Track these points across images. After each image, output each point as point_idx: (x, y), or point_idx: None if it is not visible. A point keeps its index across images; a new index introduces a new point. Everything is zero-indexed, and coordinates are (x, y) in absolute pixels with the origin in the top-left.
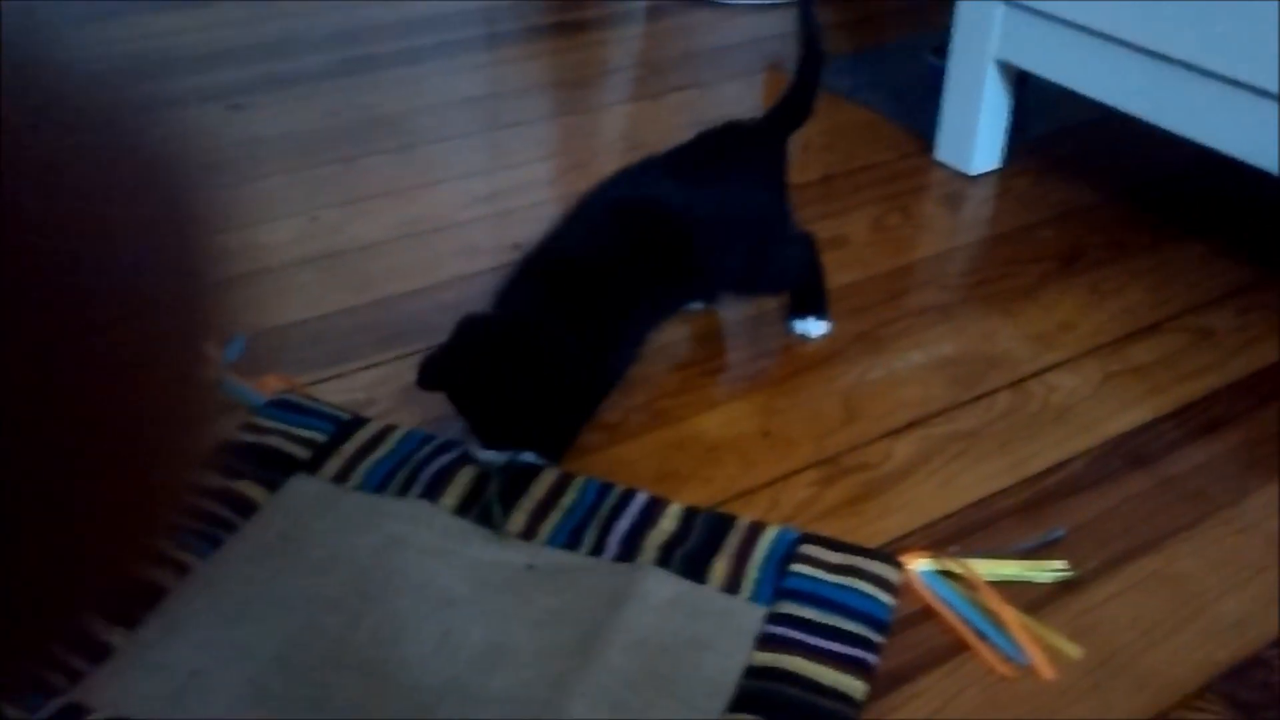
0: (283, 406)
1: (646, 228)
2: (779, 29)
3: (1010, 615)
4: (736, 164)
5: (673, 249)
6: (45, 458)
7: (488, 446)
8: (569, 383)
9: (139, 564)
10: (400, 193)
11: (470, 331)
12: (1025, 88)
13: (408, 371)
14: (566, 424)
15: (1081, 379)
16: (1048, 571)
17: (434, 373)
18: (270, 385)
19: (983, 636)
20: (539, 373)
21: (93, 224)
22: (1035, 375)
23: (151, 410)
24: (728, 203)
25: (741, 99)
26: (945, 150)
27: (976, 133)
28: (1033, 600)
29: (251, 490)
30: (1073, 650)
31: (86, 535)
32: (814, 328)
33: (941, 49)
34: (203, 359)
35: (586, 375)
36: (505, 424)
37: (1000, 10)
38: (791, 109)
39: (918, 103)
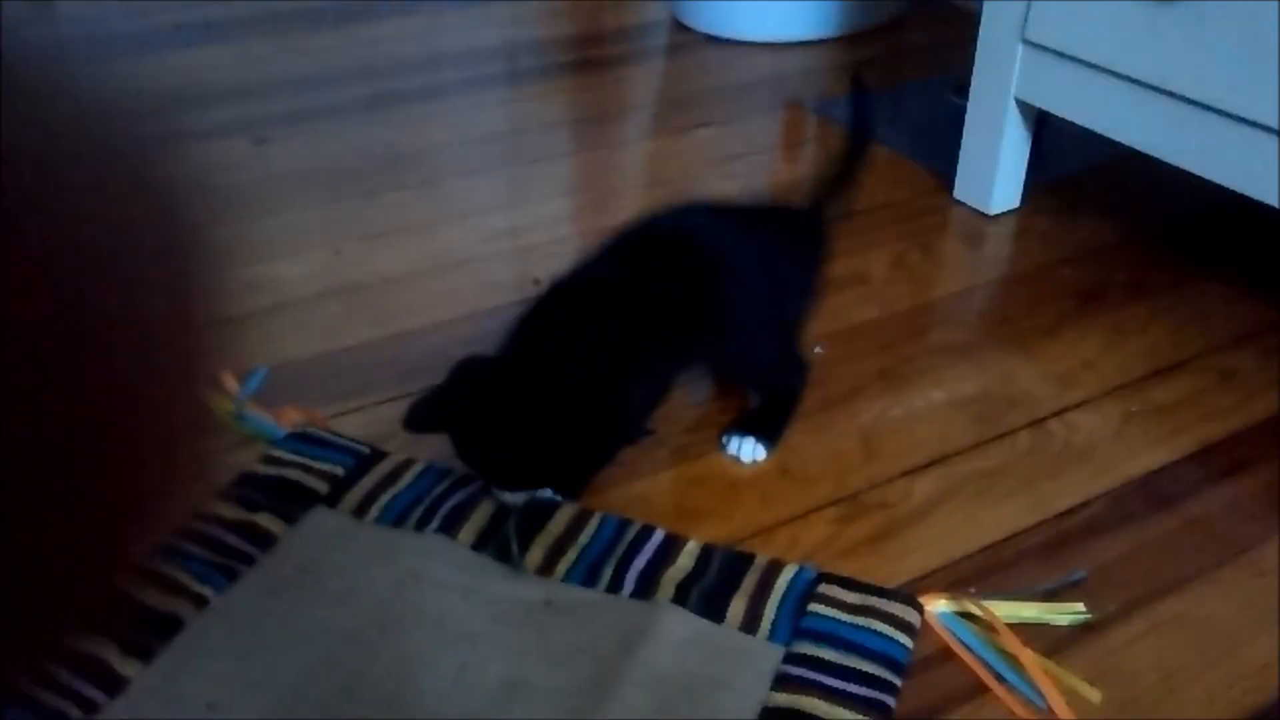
0: (302, 439)
1: (675, 267)
2: (798, 66)
3: (1029, 658)
4: (784, 236)
5: (700, 296)
6: (34, 470)
7: (494, 486)
8: (567, 425)
9: (124, 578)
10: (422, 227)
11: (462, 374)
12: (1045, 127)
13: None
14: (572, 464)
15: (1103, 419)
16: (1068, 614)
17: (419, 415)
18: (290, 418)
19: (1001, 679)
20: (532, 416)
21: (95, 255)
22: (1056, 414)
23: (141, 435)
24: (767, 267)
25: (761, 136)
26: (965, 189)
27: (996, 172)
28: (1052, 643)
29: (270, 523)
30: (1092, 694)
31: (71, 547)
32: (749, 452)
33: (962, 88)
34: (196, 389)
35: (590, 418)
36: (500, 465)
37: (1020, 50)
38: (835, 188)
39: (937, 142)
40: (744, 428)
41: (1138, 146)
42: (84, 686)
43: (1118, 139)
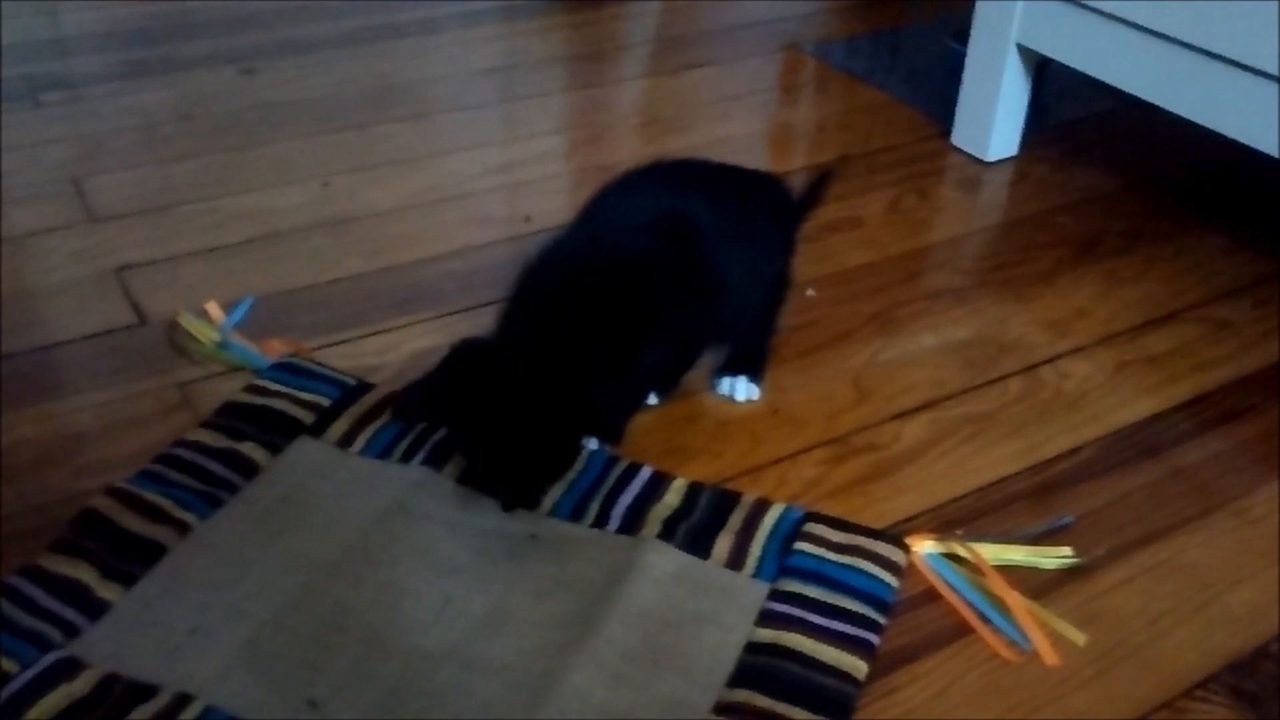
0: (288, 370)
1: (675, 247)
2: (797, 10)
3: (1015, 600)
4: (771, 211)
5: (699, 277)
6: None
7: (472, 481)
8: (570, 423)
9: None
10: (413, 161)
11: (459, 362)
12: (1045, 74)
13: (415, 339)
14: (558, 457)
15: (1095, 366)
16: (1054, 558)
17: (412, 403)
18: (275, 348)
19: (986, 620)
20: (527, 408)
21: None
22: (1048, 361)
23: None
24: (759, 246)
25: (758, 77)
26: (963, 135)
27: (995, 118)
28: (1038, 586)
29: (254, 452)
30: (1077, 637)
31: None
32: (744, 391)
33: (962, 34)
34: None
35: (582, 412)
36: (489, 458)
37: None
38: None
39: (935, 87)
40: (733, 368)
41: (1139, 94)
42: (64, 609)
43: (1119, 86)
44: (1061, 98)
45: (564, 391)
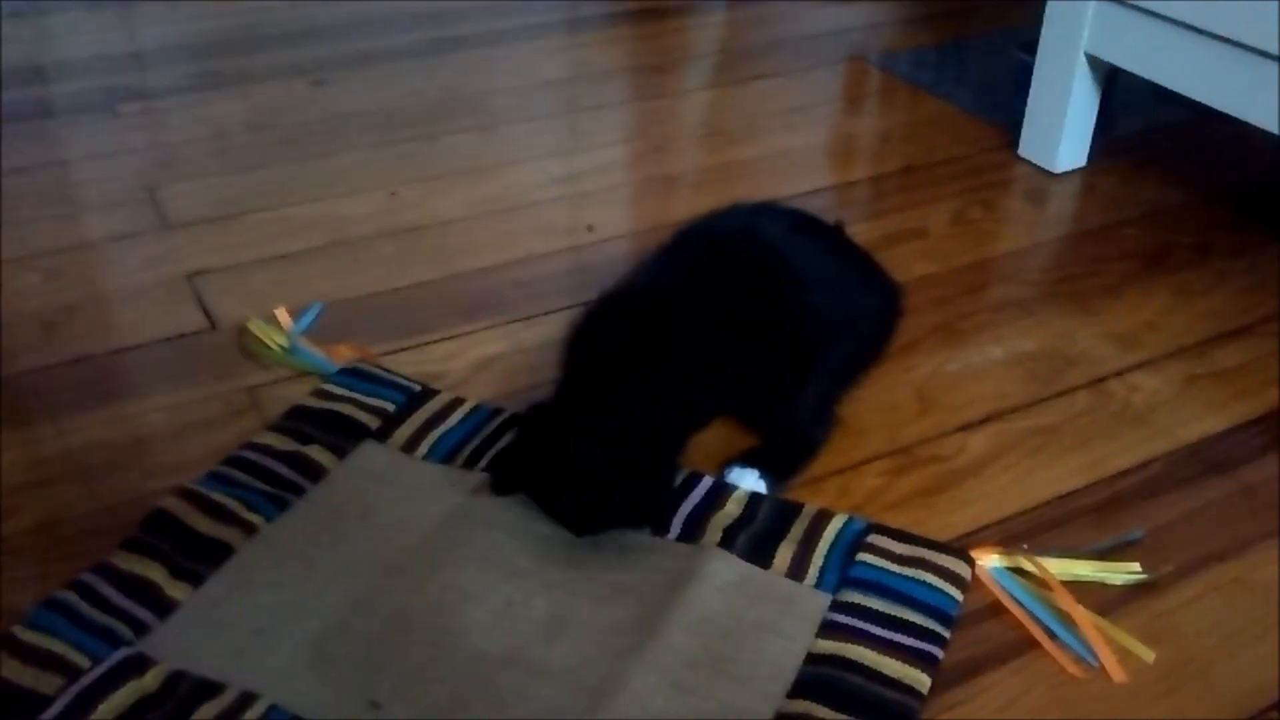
0: (354, 375)
1: (746, 284)
2: (862, 21)
3: (1082, 615)
4: (863, 274)
5: (782, 329)
6: None
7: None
8: (642, 471)
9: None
10: (479, 171)
11: (530, 428)
12: (1115, 84)
13: (480, 345)
14: (651, 498)
15: (1164, 381)
16: (1122, 573)
17: (502, 478)
18: (343, 354)
19: (1052, 635)
20: (605, 469)
21: None
22: (1116, 375)
23: None
24: (844, 301)
25: (822, 89)
26: (1030, 146)
27: (1063, 129)
28: (1106, 602)
29: (320, 455)
30: (1146, 654)
31: None
32: (751, 484)
33: (1030, 44)
34: None
35: (660, 456)
36: (584, 517)
37: (1092, 4)
38: None
39: (1002, 98)
40: (751, 461)
41: (1210, 103)
42: (134, 607)
43: (1189, 96)
44: (1130, 109)
45: (635, 441)
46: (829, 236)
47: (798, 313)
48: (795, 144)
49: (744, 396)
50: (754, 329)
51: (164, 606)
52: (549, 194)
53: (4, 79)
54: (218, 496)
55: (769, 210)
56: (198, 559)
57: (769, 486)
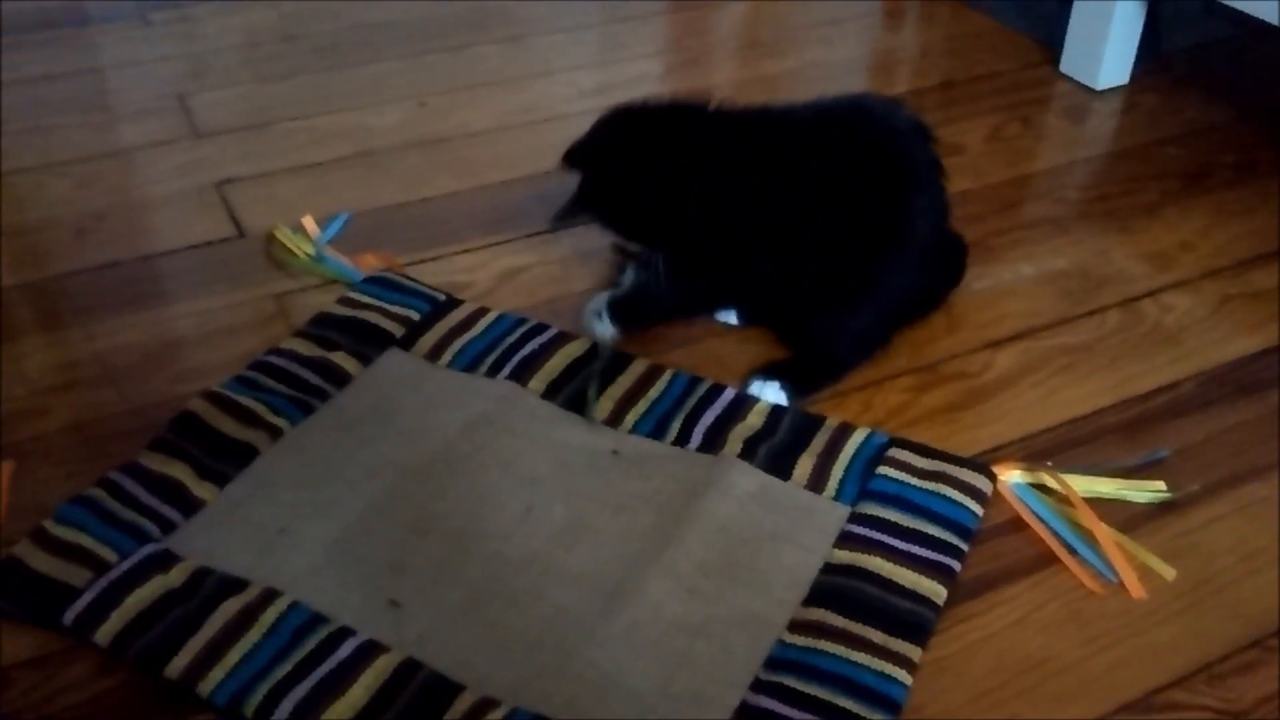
0: (380, 284)
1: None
2: None
3: (1103, 532)
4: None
5: (867, 224)
6: None
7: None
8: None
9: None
10: (508, 82)
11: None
12: (1160, 0)
13: (504, 257)
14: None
15: (1198, 301)
16: (1147, 491)
17: (579, 154)
18: (369, 263)
19: (1072, 551)
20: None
21: None
22: (1150, 294)
23: None
24: (934, 233)
25: (861, 2)
26: (1071, 63)
27: (1106, 45)
28: (1128, 519)
29: (345, 362)
30: (1166, 571)
31: None
32: (773, 395)
33: None
34: None
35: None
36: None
37: None
38: None
39: (1044, 13)
40: (774, 373)
41: (1261, 16)
42: (161, 506)
43: (1239, 8)
44: (1177, 25)
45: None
46: (938, 167)
47: (888, 218)
48: (833, 57)
49: (793, 278)
50: (840, 205)
51: (190, 505)
52: (579, 107)
53: None
54: (244, 400)
55: (906, 115)
56: (223, 460)
57: (789, 398)
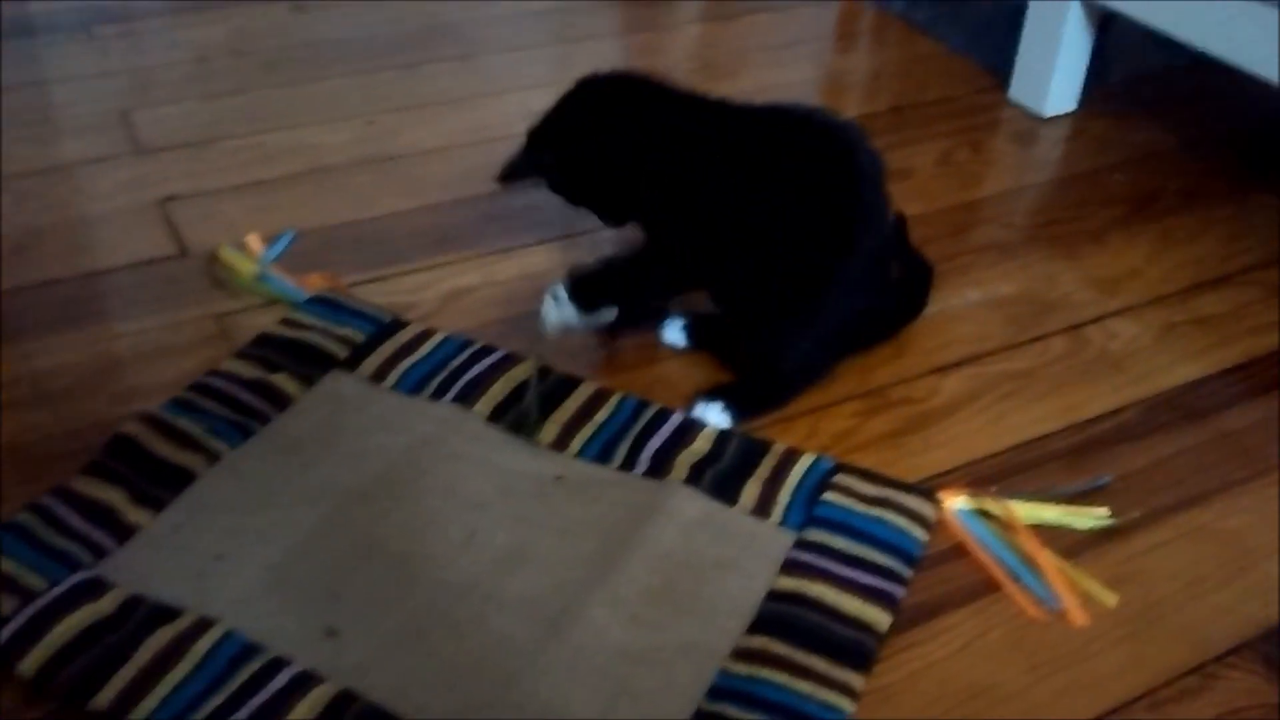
0: (324, 304)
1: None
2: None
3: (1046, 559)
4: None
5: (814, 228)
6: None
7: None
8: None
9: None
10: (459, 101)
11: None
12: (1109, 29)
13: (452, 277)
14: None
15: (1143, 327)
16: (1089, 518)
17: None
18: (313, 282)
19: (1015, 578)
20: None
21: None
22: (1095, 321)
23: None
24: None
25: (814, 25)
26: (1020, 89)
27: (1054, 72)
28: (1072, 546)
29: (287, 384)
30: (1108, 598)
31: None
32: (715, 417)
33: None
34: None
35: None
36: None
37: None
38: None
39: (994, 40)
40: (718, 394)
41: (1206, 50)
42: (93, 531)
43: (1184, 40)
44: (1123, 53)
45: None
46: (884, 195)
47: (834, 232)
48: (785, 80)
49: (738, 273)
50: (788, 212)
51: (123, 531)
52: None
53: None
54: (181, 423)
55: (859, 133)
56: (159, 484)
57: (733, 420)
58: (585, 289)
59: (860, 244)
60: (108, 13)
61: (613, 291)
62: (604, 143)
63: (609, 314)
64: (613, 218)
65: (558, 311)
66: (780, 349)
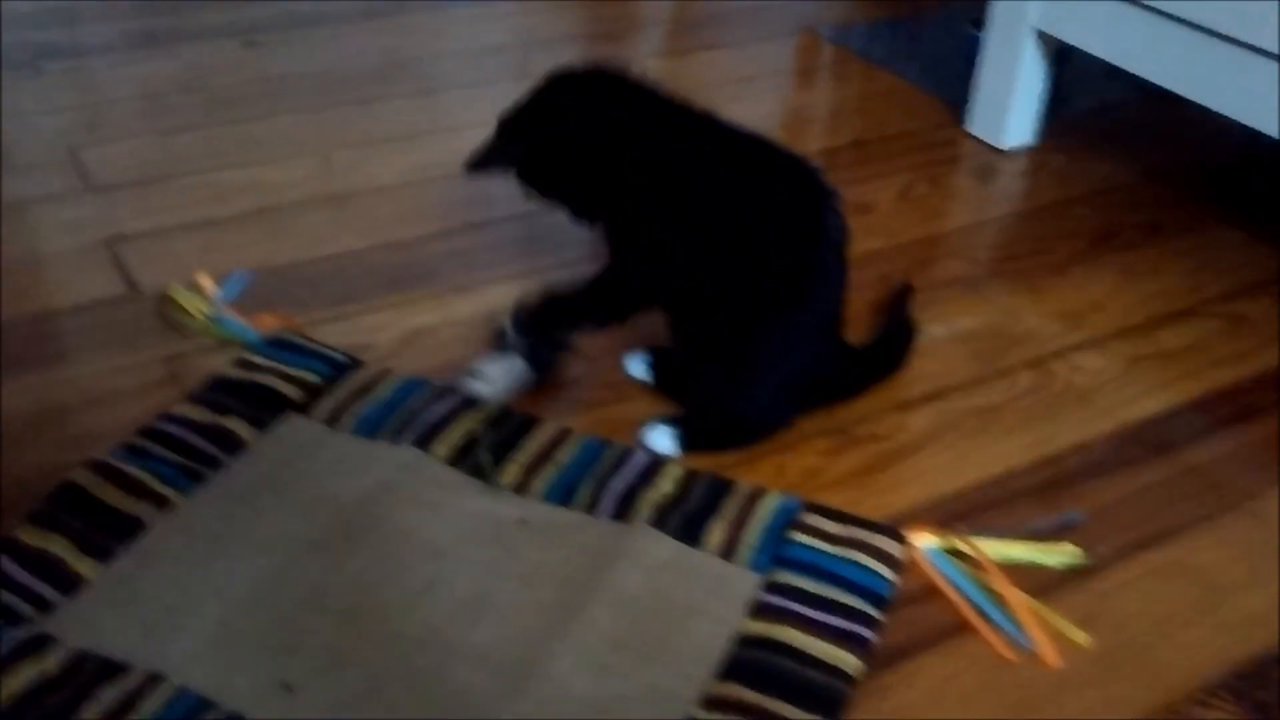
0: (278, 345)
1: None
2: None
3: (1016, 598)
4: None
5: (774, 250)
6: None
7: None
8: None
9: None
10: (416, 137)
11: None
12: (1065, 63)
13: (410, 317)
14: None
15: (1108, 361)
16: (1060, 556)
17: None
18: (267, 323)
19: (986, 618)
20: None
21: None
22: (1060, 354)
23: None
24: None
25: (772, 60)
26: (978, 123)
27: (1011, 106)
28: (1042, 584)
29: (239, 428)
30: (1081, 637)
31: None
32: (659, 443)
33: (981, 20)
34: None
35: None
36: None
37: None
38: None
39: (952, 74)
40: (670, 422)
41: (1161, 83)
42: (38, 584)
43: (1140, 75)
44: (1081, 87)
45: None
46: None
47: (792, 274)
48: (744, 115)
49: (692, 293)
50: (750, 229)
51: (69, 583)
52: None
53: None
54: (130, 469)
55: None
56: (107, 534)
57: (679, 449)
58: (536, 319)
59: (808, 302)
60: (56, 49)
61: (566, 318)
62: (578, 131)
63: (541, 364)
64: (581, 212)
65: (488, 386)
66: (726, 391)
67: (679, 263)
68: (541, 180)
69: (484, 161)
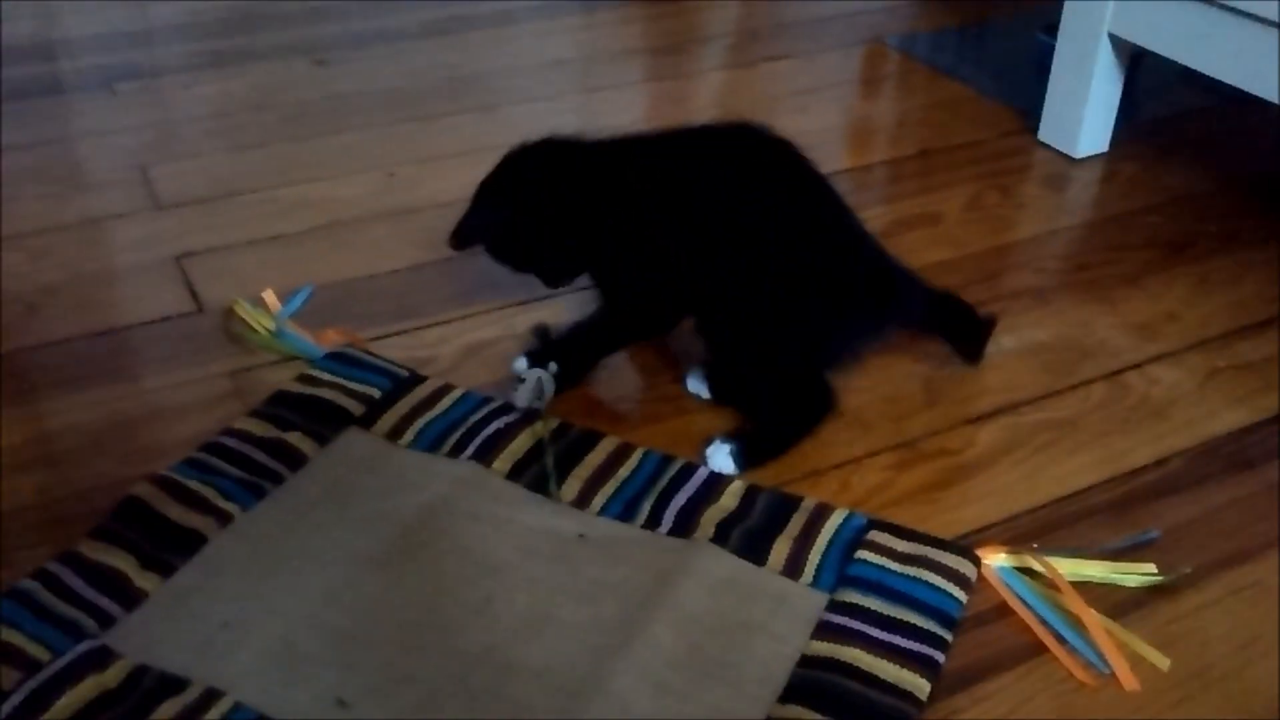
0: (340, 360)
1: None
2: (881, 3)
3: (1093, 619)
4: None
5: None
6: None
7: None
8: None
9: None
10: (480, 152)
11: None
12: (1139, 67)
13: (471, 331)
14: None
15: (1185, 373)
16: (1137, 575)
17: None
18: (330, 338)
19: (1061, 640)
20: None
21: None
22: (1135, 367)
23: None
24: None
25: (837, 71)
26: (1050, 131)
27: (1084, 113)
28: (1119, 604)
29: (301, 442)
30: (1160, 660)
31: None
32: (719, 462)
33: (1052, 27)
34: None
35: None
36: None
37: None
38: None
39: (1023, 82)
40: (731, 437)
41: (1239, 86)
42: (100, 598)
43: (1218, 78)
44: (1156, 93)
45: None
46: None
47: (777, 239)
48: (809, 126)
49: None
50: (732, 224)
51: (131, 598)
52: None
53: (5, 56)
54: (193, 484)
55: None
56: (169, 548)
57: (738, 466)
58: (553, 357)
59: (808, 256)
60: (130, 69)
61: (588, 351)
62: (541, 199)
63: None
64: (559, 276)
65: (524, 388)
66: (763, 378)
67: (681, 265)
68: (519, 251)
69: (469, 235)
